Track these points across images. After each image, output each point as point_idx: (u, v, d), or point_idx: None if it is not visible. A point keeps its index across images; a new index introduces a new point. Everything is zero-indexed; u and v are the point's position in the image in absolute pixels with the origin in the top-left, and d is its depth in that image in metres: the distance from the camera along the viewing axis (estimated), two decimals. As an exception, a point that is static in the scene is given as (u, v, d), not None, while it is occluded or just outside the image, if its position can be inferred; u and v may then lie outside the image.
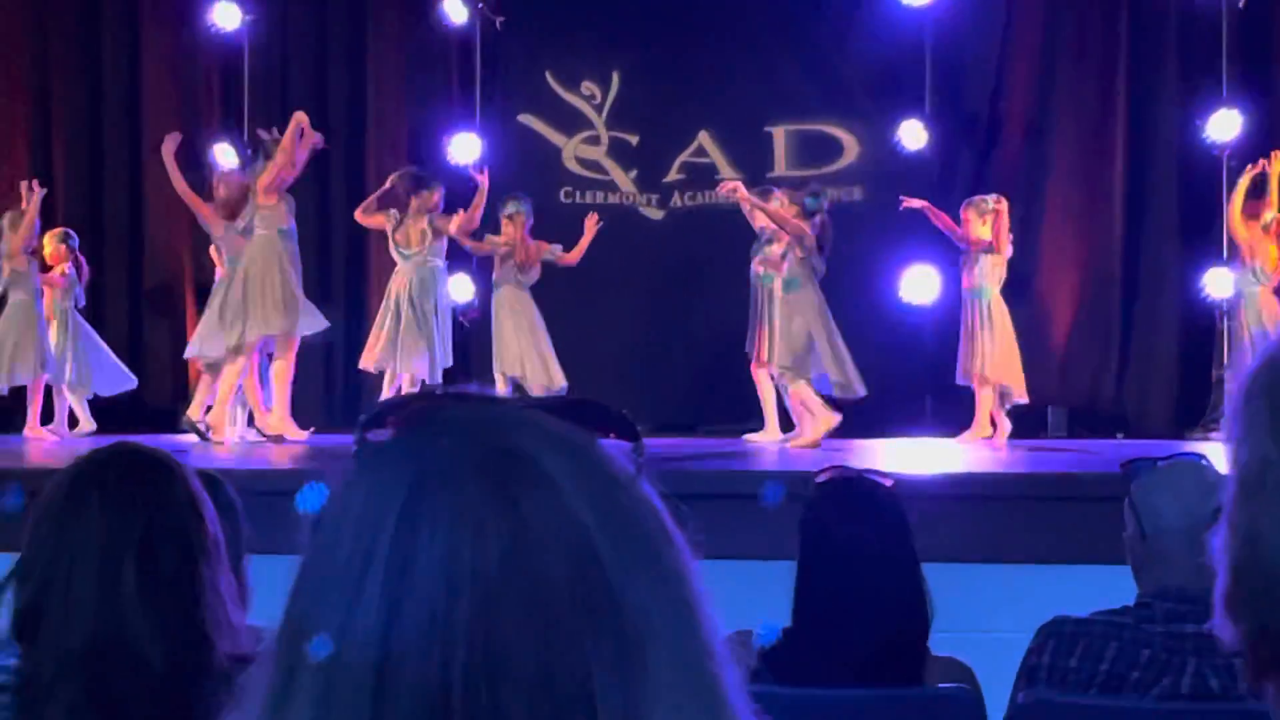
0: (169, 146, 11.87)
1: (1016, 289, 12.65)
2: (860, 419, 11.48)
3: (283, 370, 11.37)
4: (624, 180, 13.53)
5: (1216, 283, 11.82)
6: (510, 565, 1.06)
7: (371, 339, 11.79)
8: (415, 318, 11.55)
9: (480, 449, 1.10)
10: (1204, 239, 12.25)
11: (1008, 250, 11.53)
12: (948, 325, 12.32)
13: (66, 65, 14.06)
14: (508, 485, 1.08)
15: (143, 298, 13.77)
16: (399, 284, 11.71)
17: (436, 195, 11.72)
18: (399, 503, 1.08)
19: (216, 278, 11.92)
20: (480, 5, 13.24)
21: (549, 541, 1.06)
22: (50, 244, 12.49)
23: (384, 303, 11.75)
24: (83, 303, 12.58)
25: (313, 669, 1.07)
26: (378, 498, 1.09)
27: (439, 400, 1.17)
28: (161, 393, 13.56)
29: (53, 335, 12.28)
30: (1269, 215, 11.43)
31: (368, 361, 11.77)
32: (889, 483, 3.87)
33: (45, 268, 12.42)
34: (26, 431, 12.06)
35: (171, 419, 12.64)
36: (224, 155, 13.03)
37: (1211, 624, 1.66)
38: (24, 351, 11.98)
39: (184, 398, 13.37)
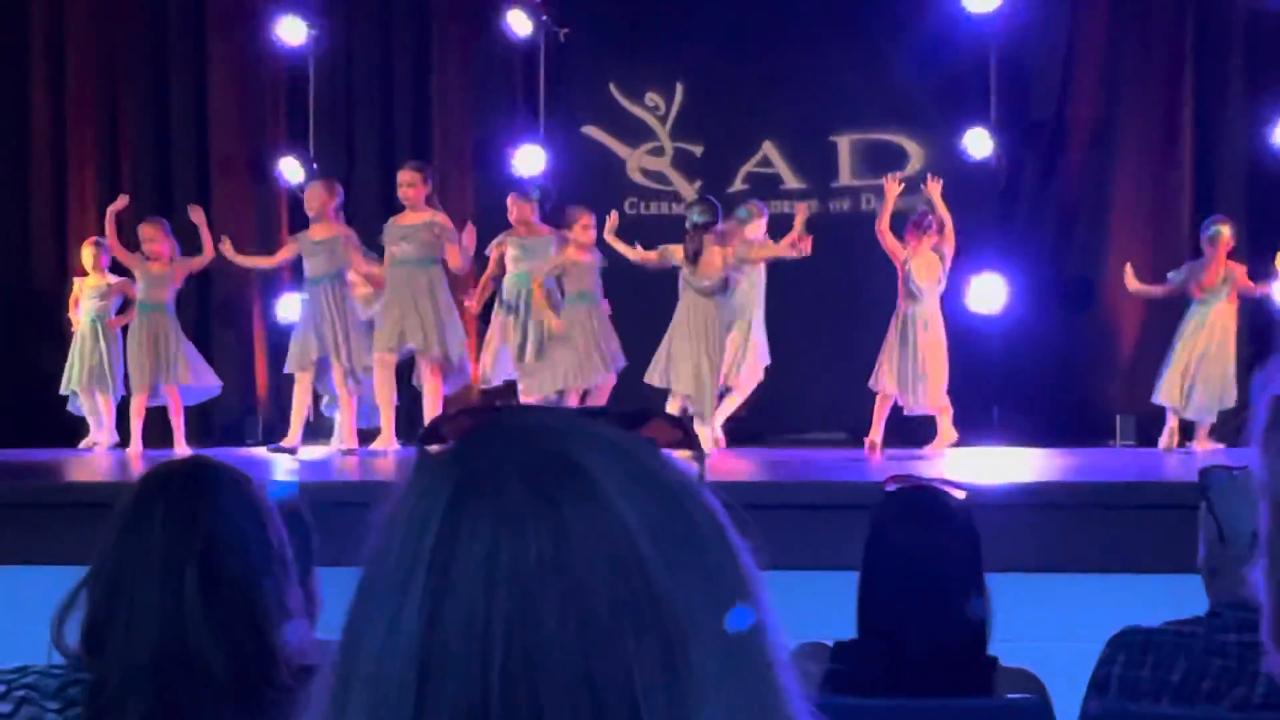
0: (230, 251, 12.03)
1: (1083, 296, 12.62)
2: (927, 428, 11.42)
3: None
4: (688, 191, 13.52)
5: (1285, 289, 11.73)
6: (548, 566, 1.07)
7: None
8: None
9: (526, 454, 1.12)
10: (1272, 245, 12.14)
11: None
12: (1016, 333, 12.28)
13: (134, 82, 14.16)
14: (550, 488, 1.09)
15: (211, 313, 13.84)
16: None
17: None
18: (443, 506, 1.10)
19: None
20: (544, 18, 13.27)
21: (590, 543, 1.07)
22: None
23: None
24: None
25: (363, 675, 1.09)
26: (424, 503, 1.11)
27: (495, 412, 1.18)
28: (230, 406, 13.63)
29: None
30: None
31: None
32: (960, 494, 3.84)
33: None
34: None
35: (239, 433, 12.73)
36: (290, 170, 13.12)
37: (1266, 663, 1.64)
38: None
39: (252, 412, 13.46)
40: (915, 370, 11.11)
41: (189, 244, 12.62)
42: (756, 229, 11.67)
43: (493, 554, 1.07)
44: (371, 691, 1.09)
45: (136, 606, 2.53)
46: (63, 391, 12.60)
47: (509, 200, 11.93)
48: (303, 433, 11.60)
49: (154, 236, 12.29)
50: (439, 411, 11.25)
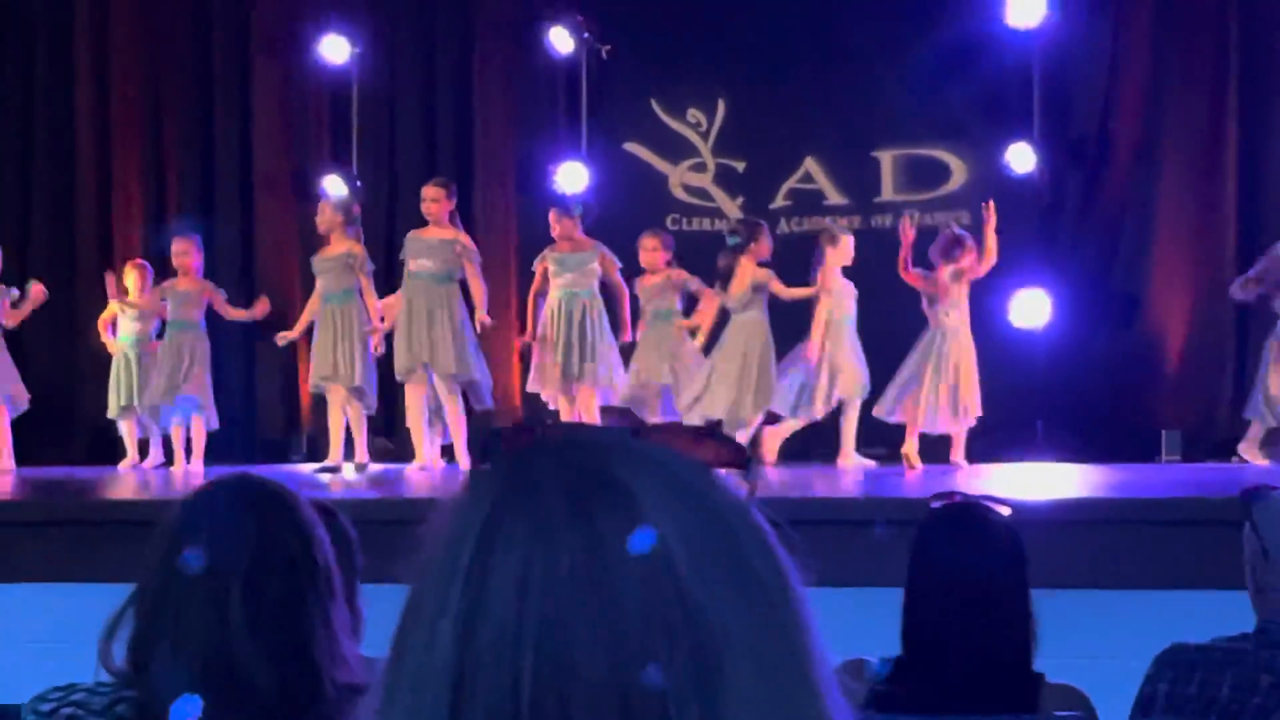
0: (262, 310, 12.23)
1: (1127, 311, 12.57)
2: (971, 444, 11.40)
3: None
4: (730, 207, 13.53)
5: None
6: (581, 578, 1.08)
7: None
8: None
9: (566, 468, 1.13)
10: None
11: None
12: (1060, 349, 12.24)
13: (178, 102, 14.24)
14: (586, 502, 1.10)
15: (254, 328, 13.88)
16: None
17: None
18: (481, 519, 1.12)
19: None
20: (586, 35, 13.29)
21: (623, 557, 1.08)
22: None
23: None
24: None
25: (404, 686, 1.11)
26: (465, 516, 1.13)
27: (545, 429, 1.20)
28: (274, 424, 13.68)
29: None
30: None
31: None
32: (1006, 510, 3.83)
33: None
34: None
35: (283, 450, 12.77)
36: (333, 187, 13.16)
37: None
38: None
39: (296, 427, 13.50)
40: (946, 391, 11.13)
41: (227, 260, 12.69)
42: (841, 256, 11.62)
43: (525, 565, 1.09)
44: (411, 702, 1.10)
45: (182, 624, 2.54)
46: (111, 416, 12.66)
47: (551, 216, 11.94)
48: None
49: (185, 250, 12.35)
50: (459, 430, 11.29)
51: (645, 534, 1.09)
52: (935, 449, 11.33)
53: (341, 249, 11.70)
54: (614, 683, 1.06)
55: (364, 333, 11.58)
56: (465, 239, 11.58)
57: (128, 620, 2.57)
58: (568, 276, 11.76)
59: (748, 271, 11.32)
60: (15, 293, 12.44)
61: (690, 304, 11.86)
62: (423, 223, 11.76)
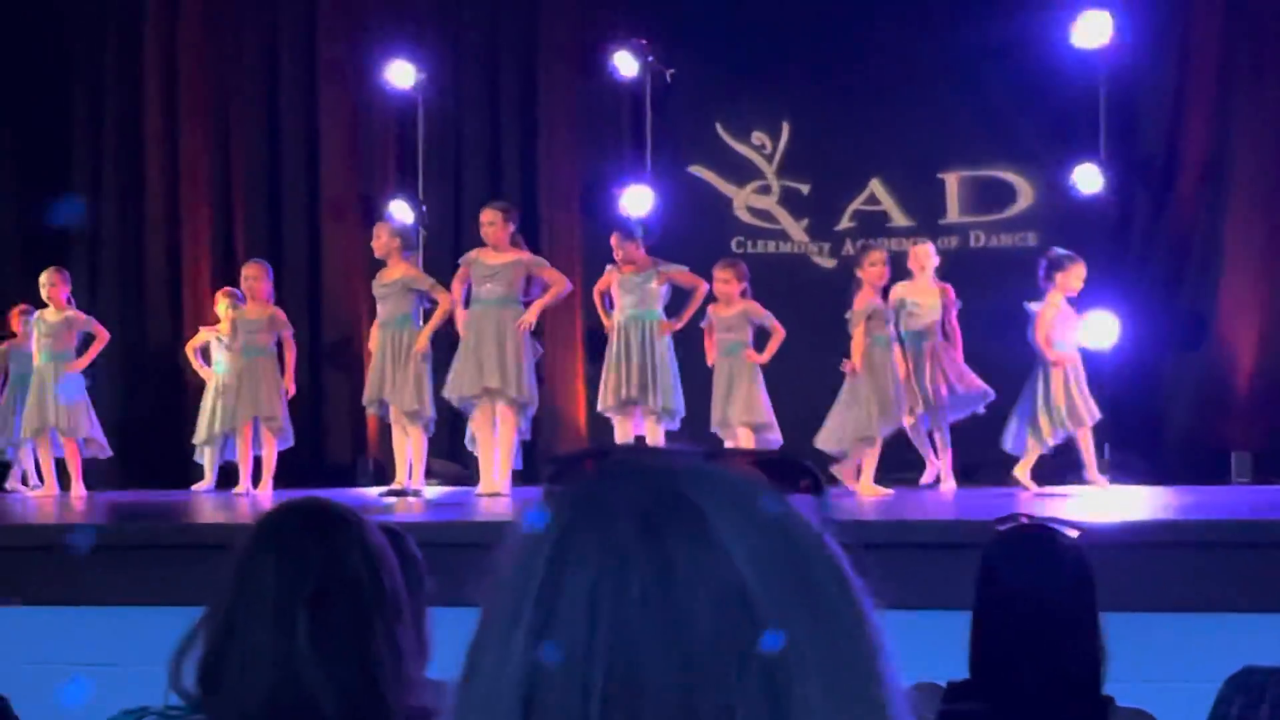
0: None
1: (1196, 332, 12.49)
2: (1038, 466, 11.34)
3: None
4: (795, 229, 13.53)
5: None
6: (651, 600, 1.08)
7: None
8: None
9: (638, 491, 1.13)
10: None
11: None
12: (1128, 370, 12.18)
13: (246, 127, 14.34)
14: (657, 524, 1.10)
15: (322, 352, 13.96)
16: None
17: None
18: (554, 538, 1.12)
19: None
20: (650, 58, 13.32)
21: (694, 579, 1.08)
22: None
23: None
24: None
25: (475, 707, 1.11)
26: (538, 535, 1.13)
27: (617, 451, 1.20)
28: (341, 447, 13.73)
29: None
30: None
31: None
32: (1073, 533, 3.80)
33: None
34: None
35: (350, 473, 12.82)
36: (400, 212, 13.23)
37: None
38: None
39: (363, 451, 13.55)
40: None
41: (293, 286, 12.75)
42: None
43: (596, 587, 1.09)
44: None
45: (250, 648, 2.55)
46: (196, 442, 12.74)
47: (614, 240, 11.93)
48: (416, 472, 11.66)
49: (257, 275, 12.43)
50: (511, 455, 11.28)
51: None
52: (989, 470, 11.29)
53: (398, 273, 11.73)
54: (684, 704, 1.06)
55: (420, 357, 11.59)
56: (528, 256, 11.60)
57: (198, 643, 2.59)
58: (631, 299, 11.76)
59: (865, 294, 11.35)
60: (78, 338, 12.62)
61: (761, 336, 11.81)
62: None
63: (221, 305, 12.78)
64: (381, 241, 11.85)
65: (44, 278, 12.54)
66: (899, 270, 11.77)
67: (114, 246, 14.37)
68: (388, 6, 14.17)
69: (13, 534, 9.08)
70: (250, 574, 2.61)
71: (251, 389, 12.24)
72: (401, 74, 13.61)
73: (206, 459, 12.72)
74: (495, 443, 11.39)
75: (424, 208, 13.43)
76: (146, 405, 13.28)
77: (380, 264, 12.02)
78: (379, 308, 11.84)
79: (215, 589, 2.63)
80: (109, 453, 12.68)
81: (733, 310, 11.70)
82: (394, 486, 11.53)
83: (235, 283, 13.07)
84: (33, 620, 8.16)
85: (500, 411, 11.36)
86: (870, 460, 11.32)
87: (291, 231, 14.20)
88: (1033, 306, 11.11)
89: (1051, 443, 11.08)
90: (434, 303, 11.73)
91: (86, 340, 12.64)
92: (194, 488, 12.56)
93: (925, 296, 11.75)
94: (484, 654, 1.12)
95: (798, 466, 1.22)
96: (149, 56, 14.47)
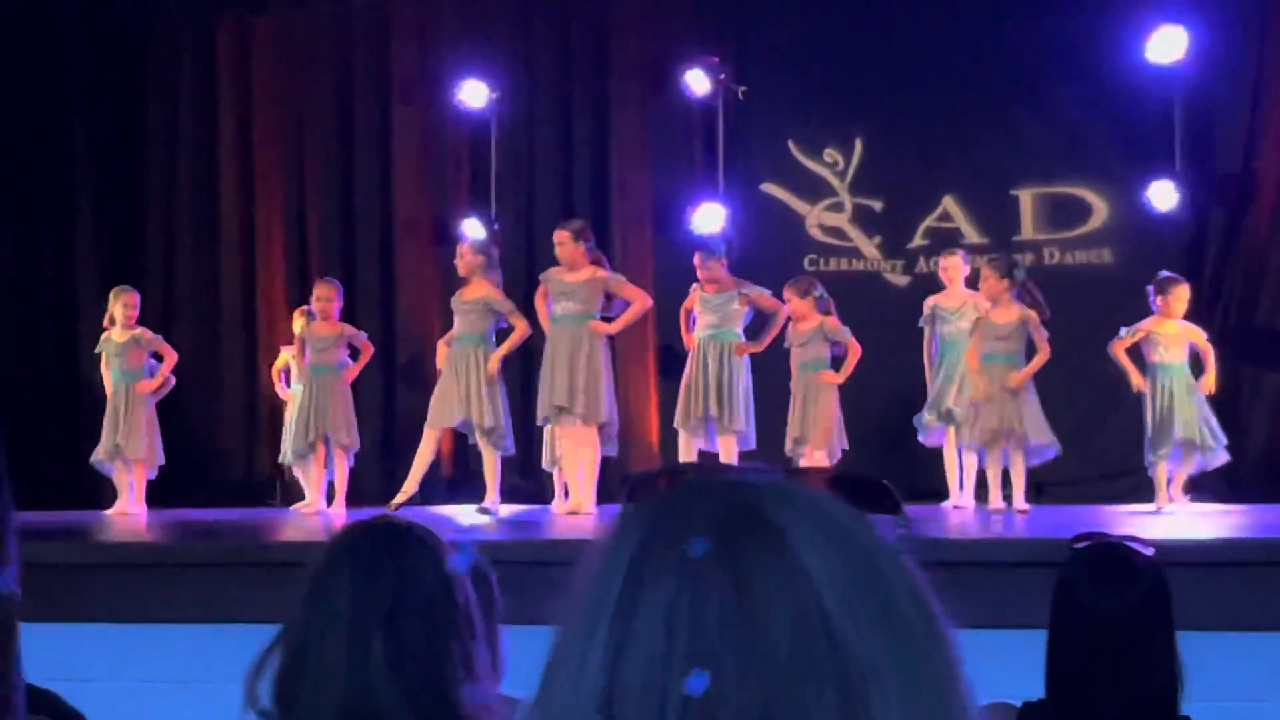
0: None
1: (1273, 349, 12.40)
2: (1113, 485, 11.28)
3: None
4: (868, 247, 13.50)
5: None
6: (729, 614, 1.09)
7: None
8: None
9: (716, 507, 1.14)
10: None
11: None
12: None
13: (319, 148, 14.41)
14: (736, 539, 1.11)
15: (395, 371, 14.01)
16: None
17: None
18: (632, 552, 1.13)
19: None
20: (722, 76, 13.32)
21: (772, 594, 1.10)
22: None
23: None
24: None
25: (554, 718, 1.12)
26: (615, 552, 1.15)
27: (693, 469, 1.21)
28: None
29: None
30: None
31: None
32: (1150, 551, 3.78)
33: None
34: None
35: (425, 491, 12.82)
36: (472, 230, 13.26)
37: None
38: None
39: (436, 470, 13.58)
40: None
41: (367, 304, 12.79)
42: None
43: (674, 600, 1.10)
44: None
45: (324, 665, 2.56)
46: (283, 462, 12.80)
47: (697, 258, 11.91)
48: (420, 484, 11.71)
49: (328, 295, 12.50)
50: (590, 472, 11.28)
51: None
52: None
53: (481, 292, 11.75)
54: (761, 713, 1.07)
55: (492, 374, 11.61)
56: (603, 273, 11.61)
57: (273, 660, 2.60)
58: (712, 318, 11.76)
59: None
60: (153, 362, 12.70)
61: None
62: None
63: (297, 324, 12.84)
64: (466, 260, 11.85)
65: (113, 297, 12.61)
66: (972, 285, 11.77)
67: (189, 268, 14.45)
68: (460, 26, 14.23)
69: (96, 552, 9.14)
70: (325, 592, 2.62)
71: (319, 406, 12.31)
72: (474, 93, 13.66)
73: (302, 476, 12.74)
74: (578, 463, 11.40)
75: (496, 226, 13.46)
76: (222, 426, 13.36)
77: (456, 281, 12.05)
78: (456, 323, 11.85)
79: (290, 607, 2.65)
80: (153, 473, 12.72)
81: (810, 326, 11.68)
82: (485, 504, 11.50)
83: (310, 302, 13.17)
84: (112, 638, 8.22)
85: (573, 430, 11.37)
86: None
87: (365, 251, 14.26)
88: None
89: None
90: (510, 326, 11.75)
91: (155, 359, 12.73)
92: (295, 507, 12.60)
93: (957, 305, 11.77)
94: (561, 669, 1.13)
95: (875, 486, 1.23)
96: (223, 77, 14.57)
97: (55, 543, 9.12)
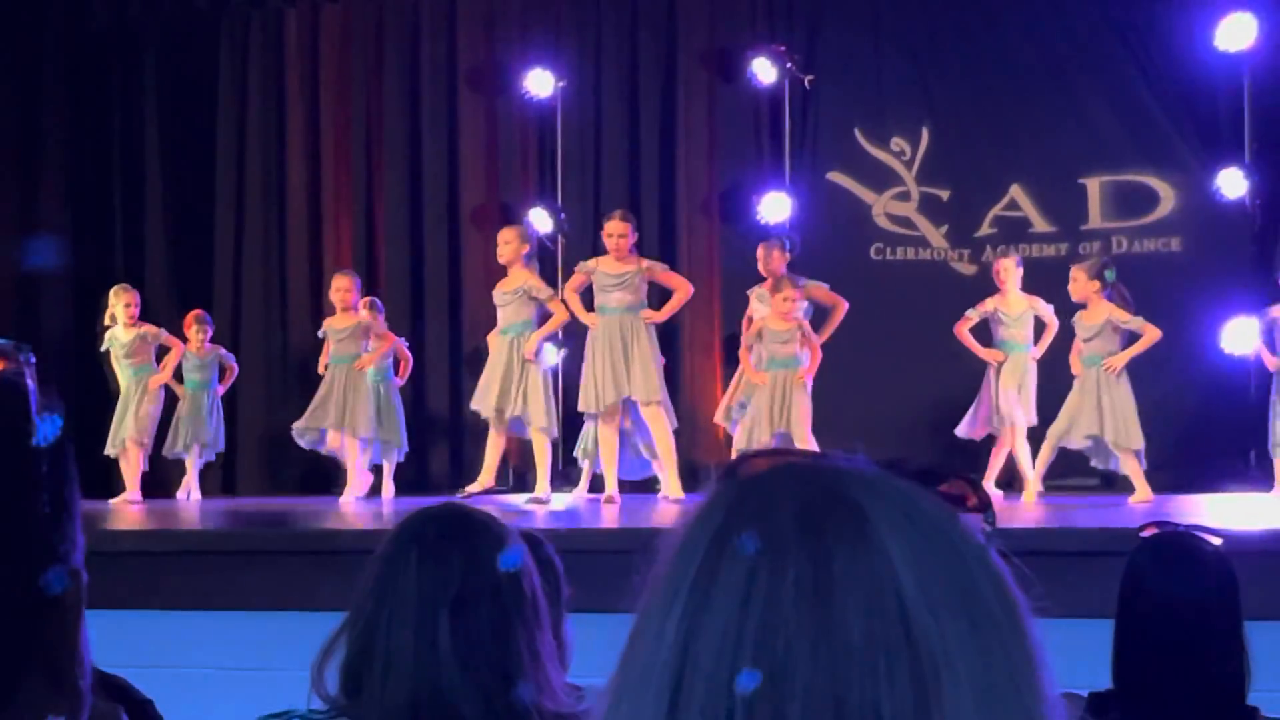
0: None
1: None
2: (1181, 473, 11.21)
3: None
4: (935, 236, 13.44)
5: None
6: (805, 592, 1.10)
7: None
8: None
9: (801, 487, 1.15)
10: None
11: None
12: (1271, 377, 11.99)
13: (386, 138, 14.45)
14: (818, 519, 1.12)
15: (461, 360, 14.04)
16: None
17: None
18: (715, 527, 1.14)
19: None
20: (789, 65, 13.30)
21: (851, 575, 1.10)
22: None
23: None
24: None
25: (630, 688, 1.14)
26: (700, 525, 1.15)
27: (790, 453, 1.21)
28: (481, 454, 13.79)
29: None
30: None
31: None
32: (1217, 540, 3.76)
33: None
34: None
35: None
36: (539, 220, 13.28)
37: None
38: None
39: (505, 461, 13.60)
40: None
41: (435, 294, 12.82)
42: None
43: (751, 575, 1.11)
44: (634, 701, 1.12)
45: (392, 652, 2.58)
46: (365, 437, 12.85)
47: (760, 249, 11.90)
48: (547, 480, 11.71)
49: (347, 288, 12.57)
50: (671, 456, 11.29)
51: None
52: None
53: (520, 281, 11.74)
54: (830, 696, 1.07)
55: (534, 364, 11.62)
56: (647, 263, 11.60)
57: (341, 647, 2.62)
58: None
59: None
60: (229, 356, 12.87)
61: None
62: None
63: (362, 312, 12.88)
64: (512, 247, 11.80)
65: (114, 296, 12.70)
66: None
67: (257, 259, 14.52)
68: (526, 16, 14.24)
69: (158, 539, 9.21)
70: (392, 579, 2.64)
71: (346, 398, 12.43)
72: (540, 82, 13.68)
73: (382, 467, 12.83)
74: (616, 454, 11.44)
75: (563, 215, 13.48)
76: (291, 416, 13.39)
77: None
78: (499, 315, 11.84)
79: (358, 594, 2.66)
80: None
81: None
82: (536, 494, 11.53)
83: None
84: (178, 624, 8.28)
85: (651, 414, 11.39)
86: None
87: (432, 241, 14.29)
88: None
89: None
90: (548, 314, 11.74)
91: (161, 352, 12.85)
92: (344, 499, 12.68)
93: (1012, 308, 11.69)
94: (641, 636, 1.14)
95: (963, 480, 1.23)
96: (290, 68, 14.63)
97: (117, 530, 9.20)
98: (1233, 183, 12.25)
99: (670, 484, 11.39)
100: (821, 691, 1.07)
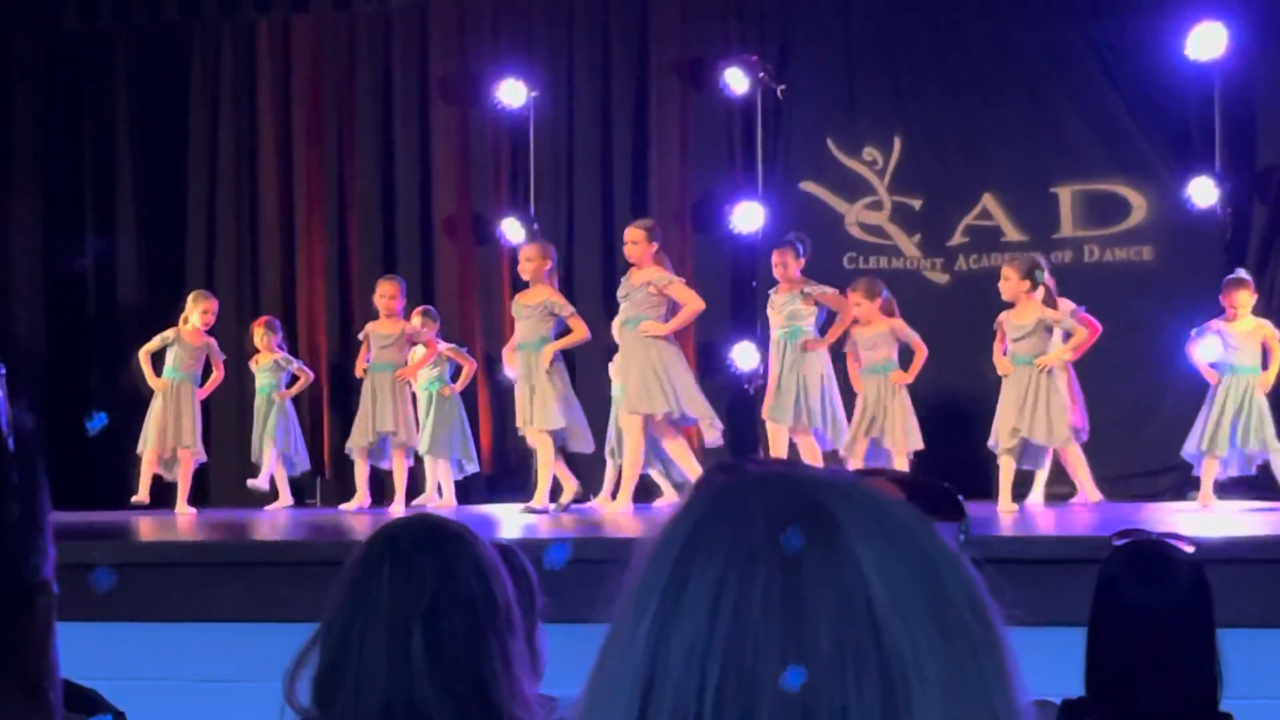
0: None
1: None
2: (1154, 481, 11.23)
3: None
4: (907, 245, 13.46)
5: None
6: (774, 596, 1.09)
7: None
8: None
9: (773, 493, 1.15)
10: None
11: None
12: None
13: (359, 149, 14.45)
14: (787, 523, 1.11)
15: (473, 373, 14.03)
16: None
17: None
18: (686, 532, 1.14)
19: None
20: (761, 74, 13.32)
21: (820, 581, 1.10)
22: None
23: None
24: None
25: (600, 693, 1.13)
26: (674, 532, 1.15)
27: (765, 462, 1.21)
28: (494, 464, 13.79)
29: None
30: None
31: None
32: (1190, 548, 3.77)
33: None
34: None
35: (463, 489, 12.86)
36: (511, 230, 13.28)
37: None
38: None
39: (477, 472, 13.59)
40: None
41: (408, 304, 12.82)
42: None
43: (721, 580, 1.10)
44: (604, 710, 1.12)
45: (364, 663, 2.57)
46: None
47: (775, 256, 11.90)
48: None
49: (393, 294, 12.57)
50: (691, 466, 11.28)
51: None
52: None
53: (542, 296, 11.69)
54: (799, 703, 1.07)
55: (549, 373, 11.59)
56: (658, 271, 11.56)
57: (312, 659, 2.61)
58: (780, 318, 11.75)
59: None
60: (296, 363, 12.98)
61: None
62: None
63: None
64: (535, 264, 11.69)
65: (191, 302, 12.71)
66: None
67: (229, 268, 14.51)
68: (498, 26, 14.25)
69: (137, 551, 9.19)
70: (364, 589, 2.63)
71: (380, 407, 12.39)
72: (513, 92, 13.68)
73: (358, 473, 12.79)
74: (640, 462, 11.46)
75: (536, 226, 13.48)
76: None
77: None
78: (519, 328, 11.80)
79: (329, 605, 2.66)
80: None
81: (879, 329, 11.64)
82: (532, 504, 11.51)
83: (349, 303, 13.22)
84: (150, 636, 8.25)
85: (661, 428, 11.41)
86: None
87: (405, 251, 14.28)
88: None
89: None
90: (567, 329, 11.72)
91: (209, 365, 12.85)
92: (343, 506, 12.65)
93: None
94: (615, 643, 1.14)
95: (938, 489, 1.23)
96: (262, 79, 14.63)
97: (95, 541, 9.17)
98: (1204, 191, 12.29)
99: (622, 493, 11.44)
100: (789, 698, 1.07)
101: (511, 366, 11.86)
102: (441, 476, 12.59)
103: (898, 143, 13.50)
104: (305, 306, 14.35)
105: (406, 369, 12.50)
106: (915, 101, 13.31)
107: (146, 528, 11.29)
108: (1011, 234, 13.16)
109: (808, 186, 13.66)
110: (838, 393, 11.71)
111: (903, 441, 11.43)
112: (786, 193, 13.52)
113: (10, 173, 14.64)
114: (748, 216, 13.08)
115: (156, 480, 12.61)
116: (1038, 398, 11.05)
